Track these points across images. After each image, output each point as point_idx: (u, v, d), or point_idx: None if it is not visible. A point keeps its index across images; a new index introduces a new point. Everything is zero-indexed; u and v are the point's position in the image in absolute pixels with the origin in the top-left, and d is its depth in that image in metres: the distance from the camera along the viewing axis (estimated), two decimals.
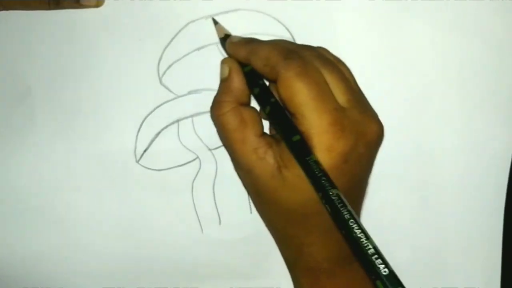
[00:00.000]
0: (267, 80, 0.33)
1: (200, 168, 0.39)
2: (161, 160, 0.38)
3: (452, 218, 0.39)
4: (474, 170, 0.39)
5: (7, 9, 0.36)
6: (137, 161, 0.38)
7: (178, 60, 0.37)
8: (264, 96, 0.33)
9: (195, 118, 0.38)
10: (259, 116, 0.34)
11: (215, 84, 0.38)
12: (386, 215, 0.39)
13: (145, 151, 0.38)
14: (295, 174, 0.31)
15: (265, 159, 0.32)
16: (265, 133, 0.34)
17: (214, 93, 0.38)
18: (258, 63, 0.32)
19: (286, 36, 0.37)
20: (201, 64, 0.37)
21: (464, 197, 0.39)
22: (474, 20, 0.38)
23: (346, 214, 0.28)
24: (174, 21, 0.37)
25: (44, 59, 0.37)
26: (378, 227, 0.35)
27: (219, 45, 0.37)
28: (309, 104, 0.30)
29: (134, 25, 0.37)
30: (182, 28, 0.37)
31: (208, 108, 0.38)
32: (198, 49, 0.37)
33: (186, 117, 0.38)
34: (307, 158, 0.30)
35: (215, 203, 0.39)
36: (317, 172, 0.29)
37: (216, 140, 0.38)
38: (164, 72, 0.38)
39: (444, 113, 0.38)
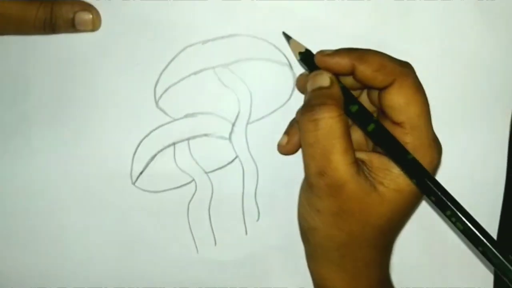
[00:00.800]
0: (372, 87, 0.32)
1: (196, 191, 0.39)
2: (157, 182, 0.38)
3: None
4: (471, 175, 0.40)
5: (2, 34, 0.36)
6: (133, 183, 0.38)
7: (174, 84, 0.38)
8: (366, 113, 0.32)
9: (191, 141, 0.38)
10: None
11: (211, 107, 0.38)
12: None
13: (141, 173, 0.38)
14: (393, 189, 0.31)
15: (360, 175, 0.31)
16: None
17: (210, 117, 0.39)
18: (367, 69, 0.31)
19: (283, 62, 0.37)
20: (197, 88, 0.38)
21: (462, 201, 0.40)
22: (468, 34, 0.38)
23: (483, 230, 0.29)
24: (171, 45, 0.37)
25: (40, 82, 0.37)
26: None
27: (216, 70, 0.37)
28: (423, 116, 0.31)
29: (131, 49, 0.37)
30: (179, 52, 0.37)
31: (204, 132, 0.38)
32: (195, 73, 0.37)
33: (182, 140, 0.38)
34: (428, 177, 0.30)
35: (211, 224, 0.39)
36: (443, 190, 0.30)
37: (211, 163, 0.39)
38: (161, 96, 0.38)
39: (442, 119, 0.39)
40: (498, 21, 0.38)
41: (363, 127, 0.32)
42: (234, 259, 0.40)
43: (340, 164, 0.30)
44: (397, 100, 0.31)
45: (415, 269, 0.40)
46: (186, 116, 0.38)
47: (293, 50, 0.35)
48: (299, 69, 0.37)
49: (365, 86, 0.33)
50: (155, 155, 0.38)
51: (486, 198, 0.40)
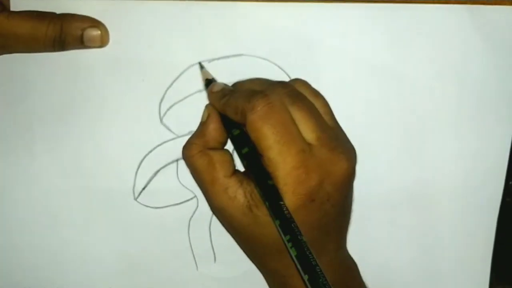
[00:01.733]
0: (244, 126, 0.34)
1: (197, 207, 0.39)
2: (159, 198, 0.39)
3: (446, 228, 0.41)
4: (470, 179, 0.40)
5: (11, 52, 0.36)
6: (136, 199, 0.39)
7: (179, 101, 0.38)
8: (238, 141, 0.34)
9: None
10: (230, 157, 0.35)
11: None
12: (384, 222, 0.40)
13: (143, 188, 0.39)
14: (265, 214, 0.32)
15: (236, 198, 0.33)
16: (237, 171, 0.34)
17: None
18: (231, 114, 0.33)
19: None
20: (201, 106, 0.37)
21: (459, 208, 0.40)
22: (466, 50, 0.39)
23: (312, 261, 0.29)
24: (176, 63, 0.38)
25: (46, 97, 0.38)
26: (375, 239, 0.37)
27: None
28: (274, 148, 0.31)
29: (137, 65, 0.38)
30: (185, 70, 0.38)
31: None
32: (200, 91, 0.38)
33: None
34: (280, 202, 0.31)
35: (211, 241, 0.40)
36: (288, 216, 0.30)
37: None
38: (165, 112, 0.38)
39: (441, 120, 0.39)
40: (493, 28, 0.39)
41: (238, 151, 0.34)
42: (233, 276, 0.40)
43: (211, 193, 0.34)
44: (251, 136, 0.32)
45: (411, 271, 0.41)
46: (190, 133, 0.38)
47: (202, 78, 0.37)
48: None
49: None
50: (158, 171, 0.39)
51: (486, 196, 0.40)
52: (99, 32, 0.36)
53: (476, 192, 0.40)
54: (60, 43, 0.35)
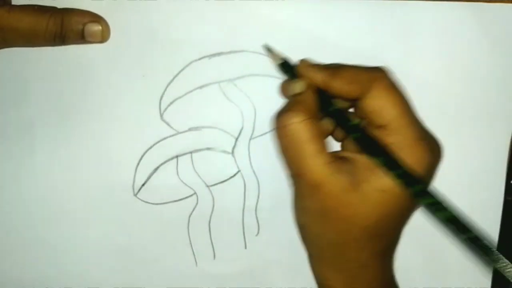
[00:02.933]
0: (347, 99, 0.33)
1: (197, 204, 0.39)
2: (159, 194, 0.39)
3: None
4: (471, 178, 0.40)
5: (12, 46, 0.36)
6: (135, 195, 0.39)
7: (180, 97, 0.38)
8: (343, 114, 0.33)
9: (194, 155, 0.39)
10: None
11: (215, 122, 0.38)
12: None
13: (143, 185, 0.39)
14: (377, 189, 0.31)
15: (339, 174, 0.31)
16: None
17: (214, 131, 0.39)
18: (340, 84, 0.32)
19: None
20: (202, 102, 0.38)
21: (460, 207, 0.39)
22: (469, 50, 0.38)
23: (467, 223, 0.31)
24: (177, 59, 0.37)
25: (47, 92, 0.38)
26: None
27: (221, 84, 0.38)
28: (404, 117, 0.31)
29: (138, 61, 0.37)
30: (185, 67, 0.38)
31: (207, 146, 0.39)
32: (200, 87, 0.38)
33: (185, 153, 0.39)
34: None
35: (211, 238, 0.40)
36: (420, 181, 0.30)
37: (213, 177, 0.39)
38: (166, 109, 0.38)
39: (442, 118, 0.39)
40: (495, 26, 0.38)
41: (345, 124, 0.33)
42: (232, 273, 0.40)
43: (313, 166, 0.31)
44: (375, 104, 0.31)
45: (413, 270, 0.40)
46: (190, 129, 0.38)
47: (273, 60, 0.36)
48: None
49: (344, 99, 0.33)
50: (158, 167, 0.39)
51: (487, 195, 0.40)
52: (100, 27, 0.36)
53: (477, 191, 0.40)
54: (60, 38, 0.35)
